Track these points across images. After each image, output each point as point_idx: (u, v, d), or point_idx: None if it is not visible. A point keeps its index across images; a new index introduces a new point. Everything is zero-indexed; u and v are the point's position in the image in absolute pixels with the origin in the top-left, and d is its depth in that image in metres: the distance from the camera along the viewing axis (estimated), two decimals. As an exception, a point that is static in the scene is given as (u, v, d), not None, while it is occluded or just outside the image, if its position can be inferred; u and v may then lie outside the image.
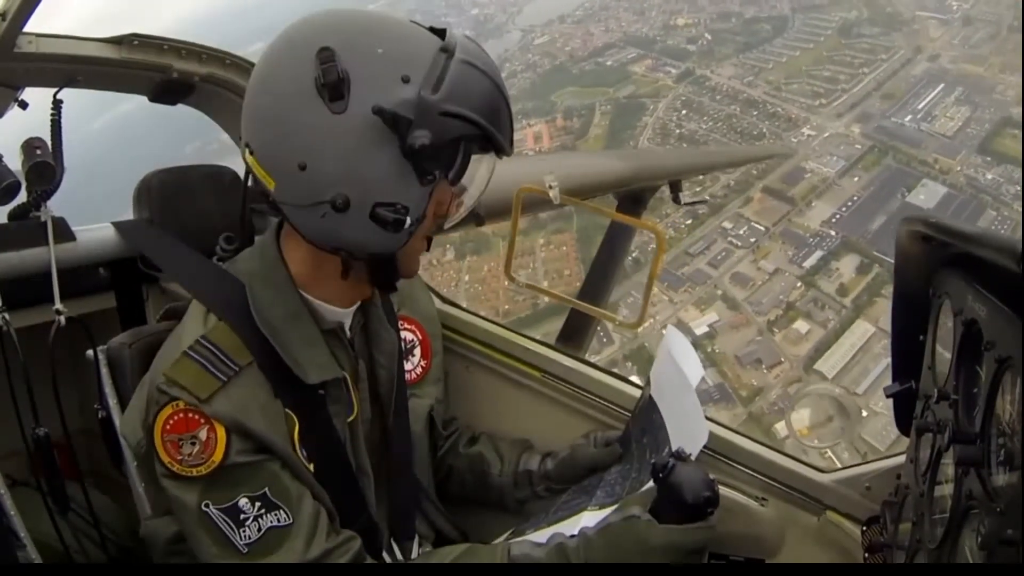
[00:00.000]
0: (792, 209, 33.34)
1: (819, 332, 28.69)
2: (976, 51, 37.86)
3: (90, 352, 1.79)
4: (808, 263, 31.17)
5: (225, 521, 1.42)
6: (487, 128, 1.41)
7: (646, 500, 1.53)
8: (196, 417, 1.42)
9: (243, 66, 2.29)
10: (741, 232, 33.08)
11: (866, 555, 1.81)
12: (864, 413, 20.58)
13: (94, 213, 2.33)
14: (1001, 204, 31.37)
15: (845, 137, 36.16)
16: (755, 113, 38.41)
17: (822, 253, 31.35)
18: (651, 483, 1.53)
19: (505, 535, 1.83)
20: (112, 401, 1.76)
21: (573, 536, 1.57)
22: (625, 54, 43.68)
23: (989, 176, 32.85)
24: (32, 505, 1.86)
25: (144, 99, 2.33)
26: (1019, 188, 31.41)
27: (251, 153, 1.45)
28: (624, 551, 1.49)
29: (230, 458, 1.42)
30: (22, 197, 2.04)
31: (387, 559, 1.72)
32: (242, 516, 1.42)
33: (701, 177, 33.70)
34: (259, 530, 1.43)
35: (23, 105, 2.07)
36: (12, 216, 2.09)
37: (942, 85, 36.87)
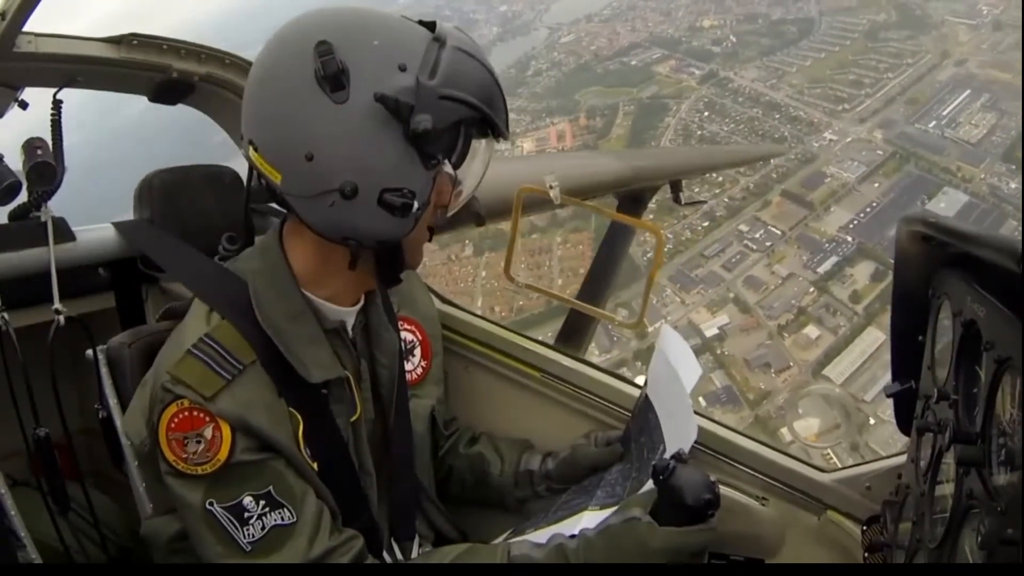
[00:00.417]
0: (810, 214, 33.18)
1: (829, 338, 28.61)
2: (1005, 57, 37.28)
3: (90, 352, 1.79)
4: (822, 268, 31.06)
5: (229, 519, 1.43)
6: (484, 110, 1.45)
7: (647, 502, 1.53)
8: (201, 415, 1.42)
9: (242, 66, 2.29)
10: (757, 235, 33.01)
11: (866, 555, 1.81)
12: (871, 421, 20.55)
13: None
14: (1024, 214, 31.12)
15: (867, 142, 35.88)
16: (777, 116, 38.23)
17: (837, 259, 31.19)
18: (651, 484, 1.53)
19: (505, 535, 1.83)
20: (112, 401, 1.76)
21: (573, 537, 1.57)
22: (650, 54, 43.68)
23: (1013, 185, 32.36)
24: (32, 505, 1.86)
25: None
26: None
27: (255, 149, 1.46)
28: (624, 553, 1.49)
29: (235, 456, 1.42)
30: (23, 197, 2.04)
31: (387, 559, 1.72)
32: (246, 514, 1.43)
33: (720, 179, 33.83)
34: (263, 528, 1.43)
35: (23, 105, 2.07)
36: (12, 216, 2.09)
37: (968, 91, 36.31)
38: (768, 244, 32.66)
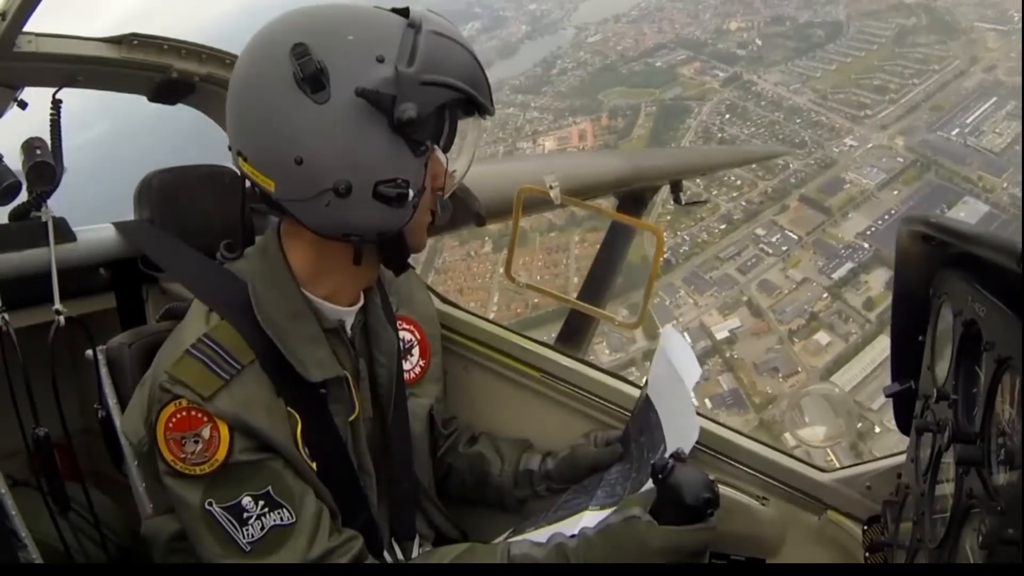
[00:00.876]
0: (827, 219, 32.95)
1: (840, 345, 28.41)
2: (1034, 64, 36.82)
3: (90, 352, 1.79)
4: (837, 274, 30.86)
5: (228, 520, 1.42)
6: (467, 91, 1.45)
7: (646, 501, 1.53)
8: (199, 415, 1.42)
9: None
10: (774, 239, 32.87)
11: (867, 554, 1.81)
12: (877, 429, 20.50)
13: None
14: (1046, 225, 30.68)
15: (888, 149, 35.55)
16: (798, 121, 37.97)
17: (852, 265, 30.96)
18: (650, 483, 1.53)
19: (505, 535, 1.83)
20: (112, 401, 1.76)
21: (573, 536, 1.57)
22: (675, 56, 43.59)
23: (1034, 195, 31.85)
24: (32, 505, 1.86)
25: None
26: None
27: (244, 160, 1.47)
28: (624, 552, 1.49)
29: (233, 456, 1.42)
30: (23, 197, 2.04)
31: (388, 558, 1.72)
32: (245, 515, 1.43)
33: (739, 183, 33.72)
34: (262, 529, 1.43)
35: (23, 105, 2.07)
36: (12, 216, 2.09)
37: (994, 99, 35.79)
38: (784, 248, 32.48)
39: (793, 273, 31.45)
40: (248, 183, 1.51)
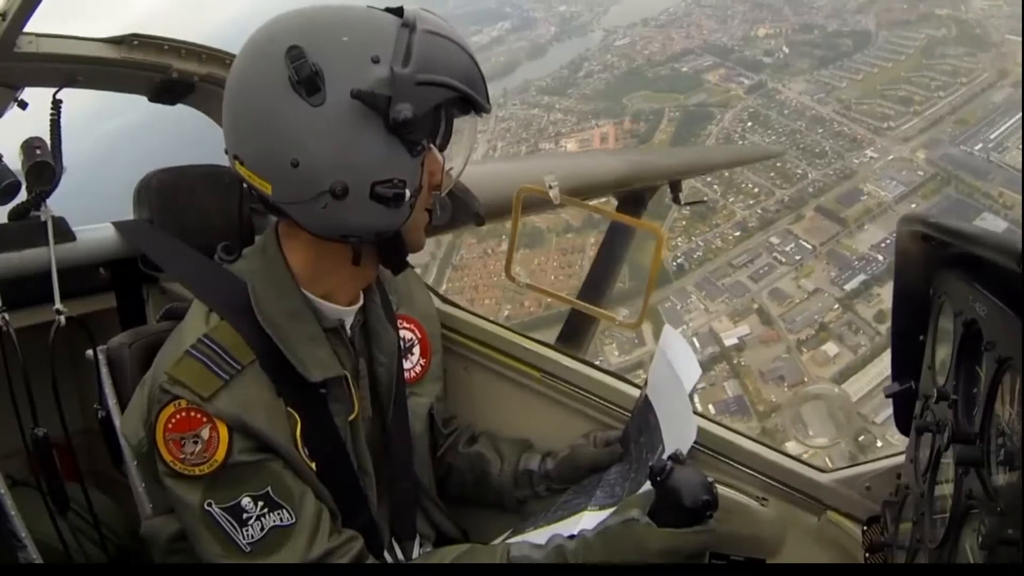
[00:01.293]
0: (842, 230, 32.68)
1: (848, 356, 28.12)
2: (1066, 79, 35.49)
3: (90, 352, 1.79)
4: (849, 286, 30.57)
5: (228, 520, 1.42)
6: (463, 89, 1.45)
7: (645, 502, 1.53)
8: (198, 416, 1.42)
9: None
10: (788, 249, 32.63)
11: (867, 555, 1.81)
12: (879, 443, 20.45)
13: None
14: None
15: (908, 162, 35.10)
16: (820, 131, 37.52)
17: (865, 277, 30.64)
18: (649, 485, 1.53)
19: (504, 535, 1.83)
20: (112, 401, 1.76)
21: (572, 537, 1.57)
22: (701, 61, 43.32)
23: (1057, 213, 31.05)
24: (32, 505, 1.86)
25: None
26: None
27: (241, 163, 1.47)
28: (622, 554, 1.49)
29: (232, 457, 1.42)
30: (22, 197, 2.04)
31: (388, 558, 1.72)
32: (245, 515, 1.43)
33: (756, 191, 33.55)
34: (262, 529, 1.43)
35: (23, 105, 2.07)
36: (12, 216, 2.08)
37: (1020, 114, 34.74)
38: (798, 258, 32.21)
39: (805, 283, 31.20)
40: (245, 186, 1.51)
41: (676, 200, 4.56)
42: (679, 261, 31.77)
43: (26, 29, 1.85)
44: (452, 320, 2.21)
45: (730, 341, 29.14)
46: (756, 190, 34.24)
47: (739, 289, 31.51)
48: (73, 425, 2.02)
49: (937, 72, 38.55)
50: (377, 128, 1.40)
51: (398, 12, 1.47)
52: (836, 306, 30.10)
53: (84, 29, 1.97)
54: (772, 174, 34.50)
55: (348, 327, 1.67)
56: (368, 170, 1.41)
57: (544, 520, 1.78)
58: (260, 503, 1.43)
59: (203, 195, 2.23)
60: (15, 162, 2.00)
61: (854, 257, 31.67)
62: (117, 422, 1.71)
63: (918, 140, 35.97)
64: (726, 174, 33.33)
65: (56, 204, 2.09)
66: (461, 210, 2.20)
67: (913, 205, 32.98)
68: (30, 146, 2.01)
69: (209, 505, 1.42)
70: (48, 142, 2.05)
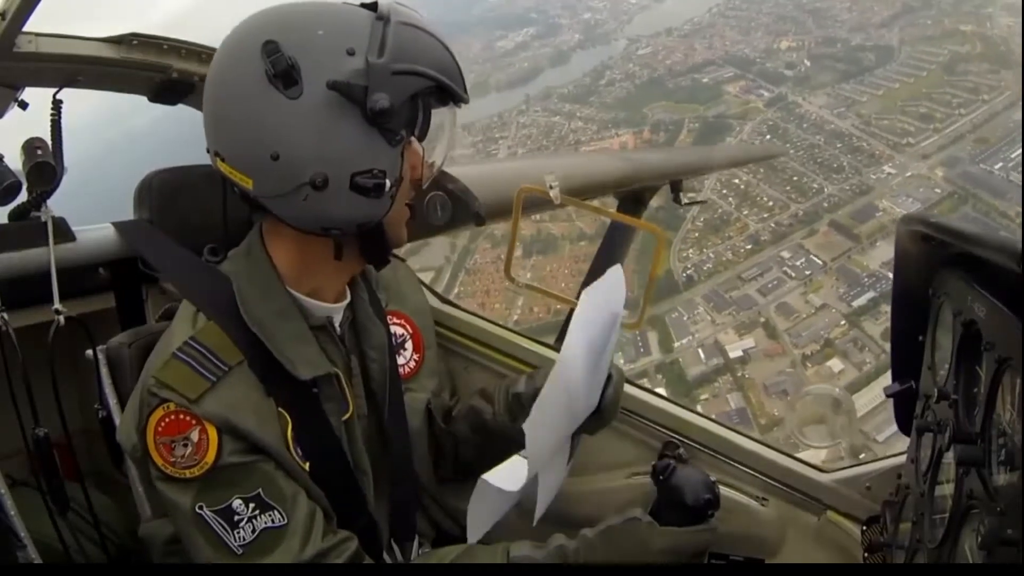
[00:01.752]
0: (854, 246, 32.24)
1: (852, 373, 27.65)
2: (1092, 98, 34.57)
3: (90, 352, 1.78)
4: (858, 303, 30.07)
5: (219, 523, 1.42)
6: (439, 79, 1.45)
7: (647, 502, 1.53)
8: (187, 418, 1.42)
9: None
10: (798, 263, 32.21)
11: (866, 555, 1.82)
12: None
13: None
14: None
15: (926, 179, 34.47)
16: (839, 145, 36.86)
17: (874, 294, 29.99)
18: (648, 479, 1.53)
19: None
20: (112, 401, 1.76)
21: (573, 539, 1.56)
22: (722, 73, 42.79)
23: (1075, 237, 31.06)
24: (32, 505, 1.86)
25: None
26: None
27: (222, 160, 1.47)
28: (625, 553, 1.49)
29: (223, 459, 1.41)
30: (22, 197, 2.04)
31: (387, 558, 1.72)
32: (236, 517, 1.42)
33: (770, 204, 33.37)
34: (253, 531, 1.42)
35: (23, 105, 2.07)
36: (12, 216, 2.08)
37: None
38: (808, 273, 31.79)
39: (813, 298, 30.80)
40: (229, 187, 1.51)
41: (676, 200, 4.55)
42: (689, 272, 31.70)
43: (26, 29, 1.85)
44: (452, 320, 2.21)
45: (735, 353, 28.96)
46: (771, 203, 34.06)
47: (747, 302, 31.28)
48: (73, 425, 2.02)
49: (959, 89, 37.89)
50: (355, 118, 1.40)
51: (372, 7, 1.47)
52: (843, 322, 29.71)
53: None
54: (788, 188, 34.30)
55: (337, 324, 1.65)
56: (347, 160, 1.42)
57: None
58: (251, 505, 1.42)
59: (204, 195, 2.23)
60: (16, 162, 2.00)
61: (864, 274, 31.25)
62: (117, 422, 1.71)
63: (937, 157, 35.39)
64: (742, 187, 33.28)
65: (56, 204, 2.09)
66: (461, 210, 2.20)
67: (929, 223, 32.67)
68: (31, 146, 2.00)
69: (200, 508, 1.42)
70: (49, 142, 2.05)
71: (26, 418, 1.84)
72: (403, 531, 1.78)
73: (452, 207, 2.19)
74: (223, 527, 1.42)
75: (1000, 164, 33.70)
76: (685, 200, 4.56)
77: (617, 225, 4.15)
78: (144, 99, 2.32)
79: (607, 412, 1.72)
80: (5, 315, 1.86)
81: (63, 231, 2.10)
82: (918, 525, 1.42)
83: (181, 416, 1.42)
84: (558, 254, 31.70)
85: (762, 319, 30.55)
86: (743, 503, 2.01)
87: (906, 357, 1.73)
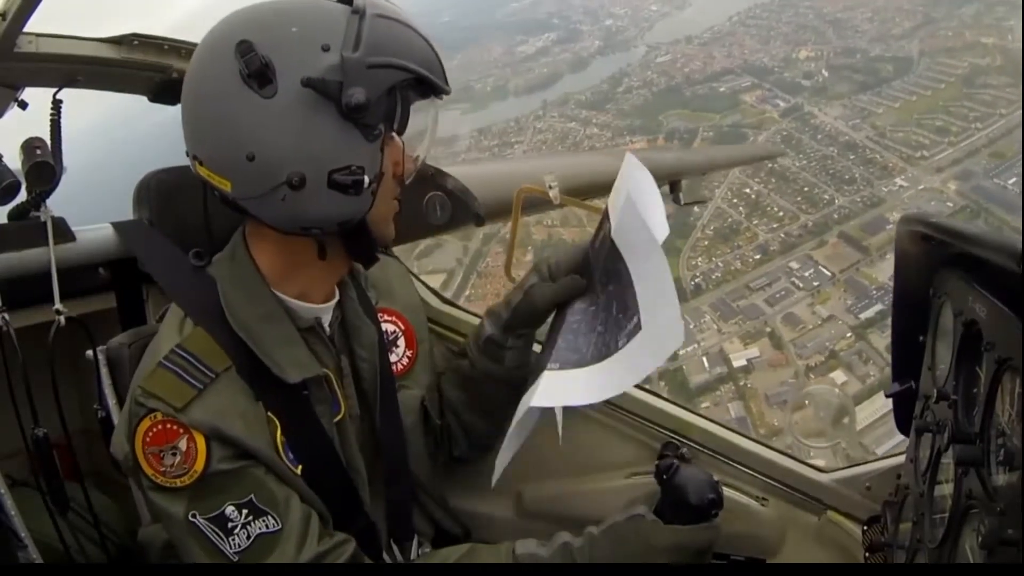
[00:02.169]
0: (863, 258, 32.10)
1: (856, 386, 27.47)
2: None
3: (90, 352, 1.78)
4: (865, 315, 29.97)
5: (213, 530, 1.41)
6: (417, 70, 1.43)
7: (651, 500, 1.53)
8: (174, 427, 1.41)
9: None
10: (806, 274, 32.12)
11: (867, 555, 1.82)
12: None
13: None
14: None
15: (939, 193, 34.25)
16: (852, 157, 36.69)
17: (882, 307, 29.68)
18: (652, 478, 1.53)
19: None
20: (112, 401, 1.76)
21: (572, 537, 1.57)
22: (739, 82, 42.72)
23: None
24: (32, 505, 1.86)
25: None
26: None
27: (200, 164, 1.46)
28: (629, 551, 1.49)
29: (212, 466, 1.40)
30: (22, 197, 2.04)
31: (386, 559, 1.71)
32: (230, 524, 1.41)
33: (780, 214, 33.18)
34: (248, 537, 1.41)
35: (23, 105, 2.06)
36: (12, 216, 2.08)
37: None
38: (816, 284, 31.68)
39: (820, 309, 30.64)
40: (208, 191, 1.50)
41: (676, 200, 4.55)
42: (697, 280, 31.67)
43: (26, 29, 1.85)
44: (451, 320, 2.21)
45: (739, 363, 28.91)
46: (781, 213, 33.98)
47: (753, 312, 31.18)
48: (73, 425, 2.02)
49: (976, 102, 37.60)
50: (330, 115, 1.38)
51: (347, 1, 1.45)
52: (849, 334, 29.64)
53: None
54: (799, 198, 34.20)
55: (326, 325, 1.64)
56: (324, 158, 1.39)
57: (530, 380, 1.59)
58: (244, 511, 1.41)
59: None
60: (15, 162, 2.00)
61: (872, 286, 31.11)
62: (116, 422, 1.71)
63: (950, 171, 35.18)
64: (752, 196, 33.14)
65: (56, 205, 2.09)
66: (461, 210, 2.20)
67: (940, 236, 32.47)
68: (30, 146, 2.00)
69: (194, 516, 1.41)
70: (48, 142, 2.05)
71: (26, 418, 1.84)
72: (401, 531, 1.77)
73: (452, 207, 2.19)
74: (218, 535, 1.41)
75: (1014, 179, 33.34)
76: (684, 200, 4.55)
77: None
78: (144, 99, 2.32)
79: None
80: (5, 315, 1.86)
81: (63, 231, 2.10)
82: (918, 525, 1.42)
83: (168, 425, 1.41)
84: (568, 258, 31.70)
85: (768, 329, 30.47)
86: (743, 503, 2.01)
87: (906, 357, 1.73)
